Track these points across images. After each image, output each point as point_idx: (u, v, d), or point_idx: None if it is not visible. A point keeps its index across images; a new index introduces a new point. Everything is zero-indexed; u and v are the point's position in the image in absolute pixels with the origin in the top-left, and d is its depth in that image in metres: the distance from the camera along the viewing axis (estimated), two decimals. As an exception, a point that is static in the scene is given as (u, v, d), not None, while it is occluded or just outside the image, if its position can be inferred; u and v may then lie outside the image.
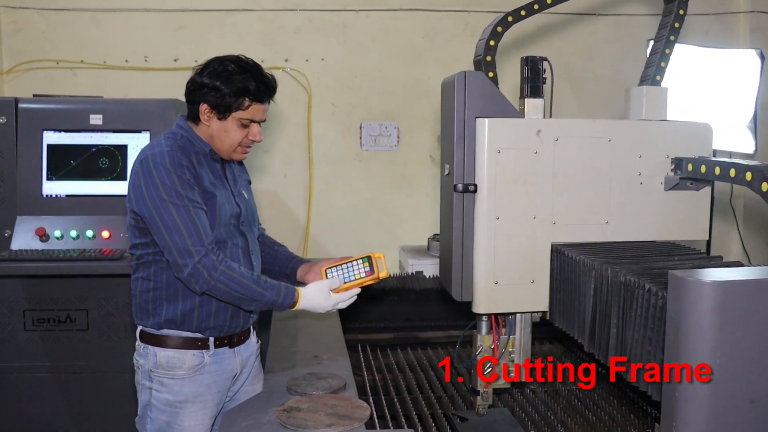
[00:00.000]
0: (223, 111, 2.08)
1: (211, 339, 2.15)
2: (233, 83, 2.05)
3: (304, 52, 4.46)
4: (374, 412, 2.20)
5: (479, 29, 4.79)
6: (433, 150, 4.59)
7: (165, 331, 2.13)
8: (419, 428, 2.47)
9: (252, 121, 2.12)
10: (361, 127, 4.56)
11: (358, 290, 2.21)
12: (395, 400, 2.67)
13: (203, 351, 2.14)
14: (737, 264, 1.91)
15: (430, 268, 3.93)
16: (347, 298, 2.19)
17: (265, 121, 2.18)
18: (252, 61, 2.14)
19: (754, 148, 3.94)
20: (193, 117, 2.14)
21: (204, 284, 2.00)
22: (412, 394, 2.76)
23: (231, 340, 2.20)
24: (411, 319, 3.48)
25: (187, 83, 2.13)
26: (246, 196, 2.28)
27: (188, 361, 2.11)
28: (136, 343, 2.20)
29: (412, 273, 3.85)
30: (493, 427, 2.44)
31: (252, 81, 2.07)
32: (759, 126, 3.96)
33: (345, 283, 2.19)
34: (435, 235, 4.37)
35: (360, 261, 2.21)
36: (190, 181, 2.03)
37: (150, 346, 2.14)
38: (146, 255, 2.11)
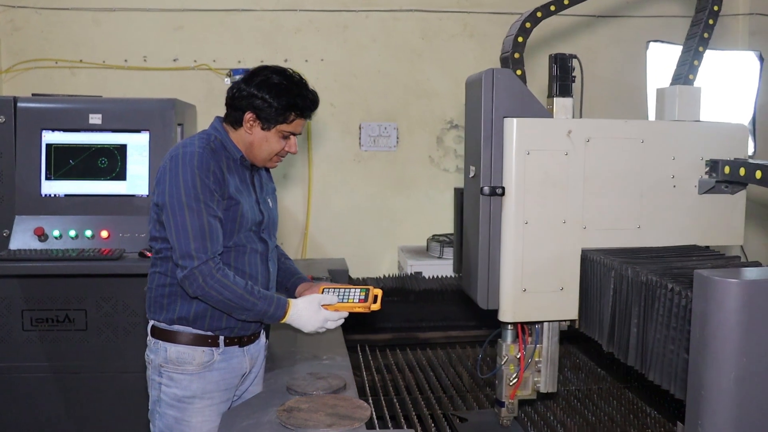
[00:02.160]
0: (268, 122, 2.12)
1: (221, 338, 2.16)
2: (282, 97, 2.09)
3: (304, 53, 4.46)
4: (374, 413, 2.20)
5: (478, 30, 4.79)
6: (432, 150, 4.59)
7: (176, 327, 2.14)
8: (419, 428, 2.47)
9: (292, 133, 2.17)
10: (360, 128, 4.55)
11: (346, 313, 2.22)
12: (395, 400, 2.67)
13: (213, 348, 2.15)
14: (756, 264, 1.87)
15: (429, 268, 3.92)
16: (336, 317, 2.20)
17: (301, 134, 2.23)
18: (298, 75, 2.17)
19: (753, 150, 3.95)
20: (233, 122, 2.16)
21: (198, 289, 2.02)
22: (412, 395, 2.76)
23: (241, 339, 2.21)
24: (410, 319, 3.48)
25: (233, 89, 2.16)
26: (270, 204, 2.31)
27: (198, 358, 2.13)
28: (147, 339, 2.22)
29: (411, 274, 3.85)
30: (493, 428, 2.43)
31: (300, 97, 2.12)
32: (758, 128, 3.96)
33: (338, 302, 2.20)
34: (434, 235, 4.37)
35: (358, 290, 2.25)
36: (213, 187, 2.05)
37: (161, 342, 2.15)
38: (165, 250, 2.13)
